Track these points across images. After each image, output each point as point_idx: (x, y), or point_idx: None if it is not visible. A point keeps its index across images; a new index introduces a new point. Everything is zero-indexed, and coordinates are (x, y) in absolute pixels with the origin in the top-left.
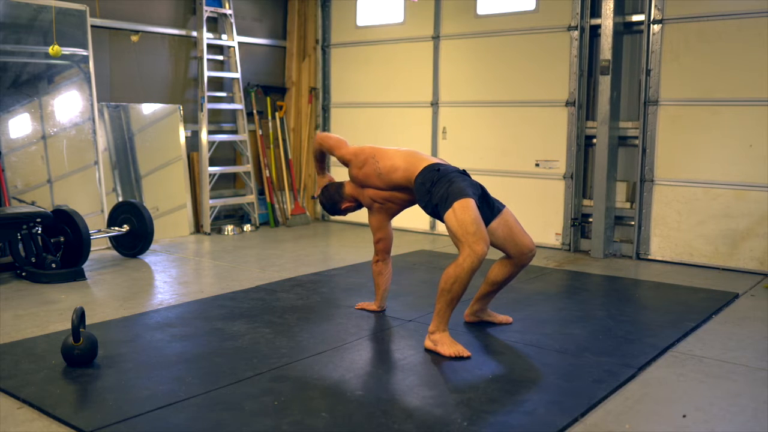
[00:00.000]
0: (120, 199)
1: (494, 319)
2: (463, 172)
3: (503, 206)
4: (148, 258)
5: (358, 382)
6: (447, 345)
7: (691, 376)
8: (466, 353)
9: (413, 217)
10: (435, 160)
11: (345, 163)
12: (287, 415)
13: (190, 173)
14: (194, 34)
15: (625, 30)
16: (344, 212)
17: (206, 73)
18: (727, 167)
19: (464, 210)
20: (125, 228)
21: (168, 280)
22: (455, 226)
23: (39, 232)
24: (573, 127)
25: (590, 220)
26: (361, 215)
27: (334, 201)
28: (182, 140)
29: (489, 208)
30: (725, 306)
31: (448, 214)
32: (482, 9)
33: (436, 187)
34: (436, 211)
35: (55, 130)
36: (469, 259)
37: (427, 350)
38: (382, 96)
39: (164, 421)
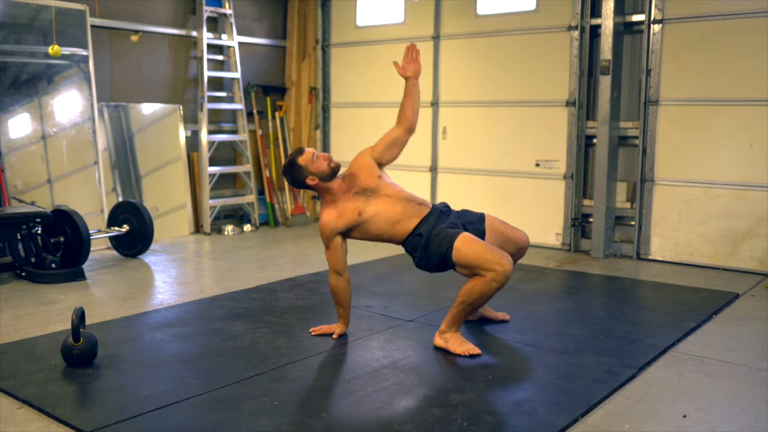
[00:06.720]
0: (120, 199)
1: (493, 315)
2: (442, 210)
3: (483, 216)
4: (148, 258)
5: (358, 383)
6: (458, 343)
7: (691, 376)
8: (476, 351)
9: None
10: (417, 219)
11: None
12: (287, 415)
13: (190, 173)
14: (194, 34)
15: (625, 30)
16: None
17: (206, 73)
18: (727, 167)
19: (467, 243)
20: (125, 228)
21: (168, 280)
22: (469, 259)
23: (39, 232)
24: (573, 127)
25: (590, 220)
26: None
27: (299, 175)
28: (182, 140)
29: (476, 233)
30: (725, 306)
31: (456, 255)
32: (482, 9)
33: (429, 250)
34: (444, 263)
35: (54, 130)
36: (498, 278)
37: (437, 348)
38: (382, 96)
39: (164, 421)
